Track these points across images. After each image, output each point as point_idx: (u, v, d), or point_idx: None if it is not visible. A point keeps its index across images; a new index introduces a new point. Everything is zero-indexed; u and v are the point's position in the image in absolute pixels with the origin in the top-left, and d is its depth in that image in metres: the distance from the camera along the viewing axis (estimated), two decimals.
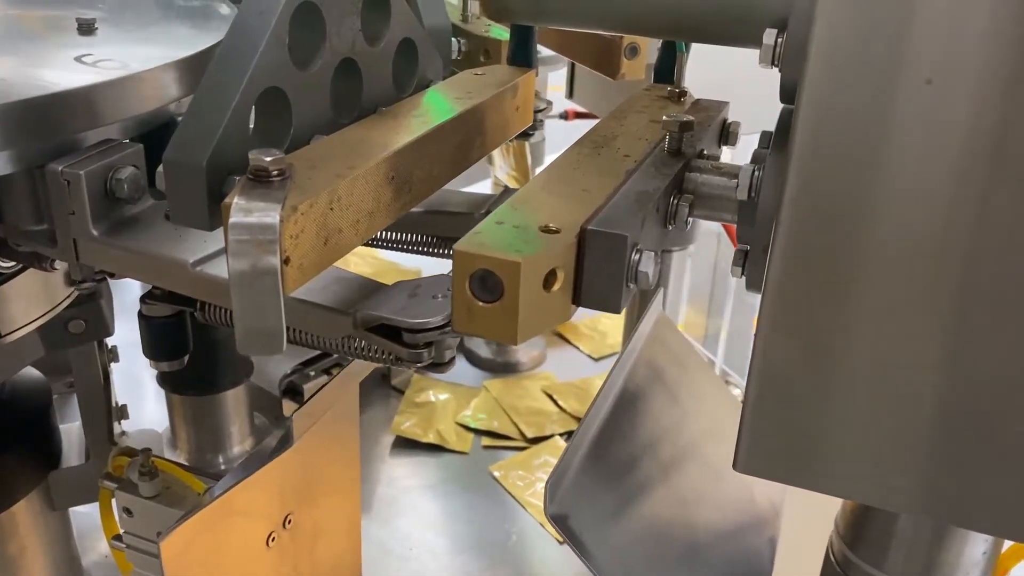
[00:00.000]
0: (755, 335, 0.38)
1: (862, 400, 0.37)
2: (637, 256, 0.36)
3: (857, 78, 0.33)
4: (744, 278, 0.44)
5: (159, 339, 0.63)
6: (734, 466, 0.39)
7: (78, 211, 0.48)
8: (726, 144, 0.53)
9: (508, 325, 0.34)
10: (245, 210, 0.35)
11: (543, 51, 0.93)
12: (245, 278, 0.35)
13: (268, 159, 0.37)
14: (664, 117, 0.44)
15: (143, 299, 0.57)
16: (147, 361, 0.89)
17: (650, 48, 0.73)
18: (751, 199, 0.41)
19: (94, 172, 0.48)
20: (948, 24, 0.31)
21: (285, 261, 0.36)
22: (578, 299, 0.37)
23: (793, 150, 0.35)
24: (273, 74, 0.43)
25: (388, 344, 0.44)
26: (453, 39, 0.72)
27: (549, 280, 0.35)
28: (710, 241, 1.50)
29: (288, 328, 0.51)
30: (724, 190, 0.43)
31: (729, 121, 0.52)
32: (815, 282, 0.36)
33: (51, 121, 0.48)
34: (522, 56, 0.57)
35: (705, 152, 0.46)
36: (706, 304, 1.57)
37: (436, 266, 0.47)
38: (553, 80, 1.34)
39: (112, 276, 0.52)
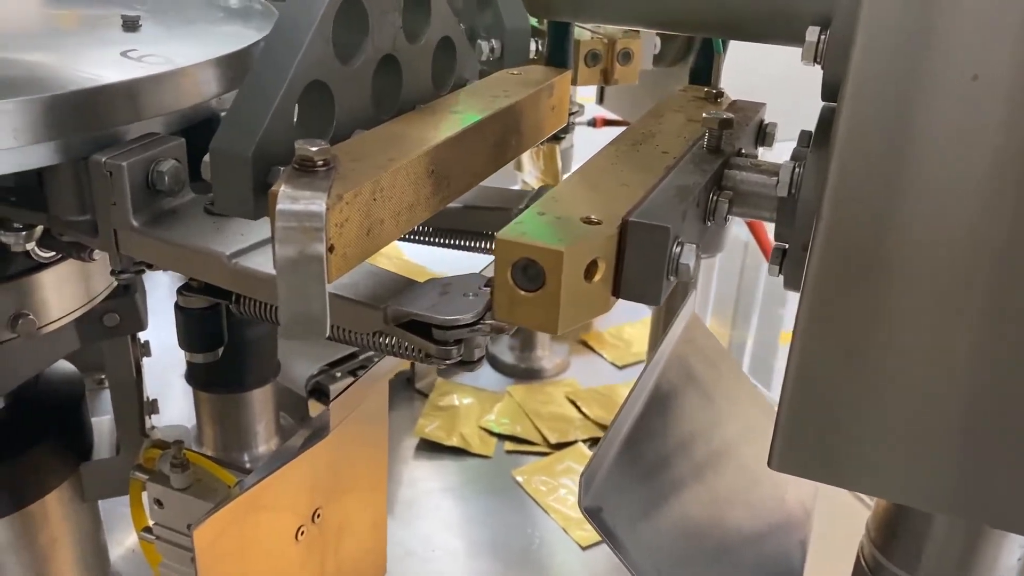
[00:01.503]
0: (793, 332, 0.38)
1: (898, 398, 0.37)
2: (678, 248, 0.36)
3: (902, 74, 0.33)
4: (781, 277, 0.44)
5: (195, 330, 0.63)
6: (769, 463, 0.39)
7: (119, 202, 0.49)
8: (763, 145, 0.53)
9: (549, 314, 0.34)
10: (292, 198, 0.36)
11: None
12: (291, 264, 0.35)
13: (314, 149, 0.38)
14: (704, 114, 0.44)
15: (180, 291, 0.58)
16: (174, 358, 0.90)
17: (644, 53, 0.73)
18: (791, 196, 0.41)
19: (136, 164, 0.49)
20: (995, 18, 0.31)
21: (330, 249, 0.36)
22: (618, 291, 0.37)
23: (835, 146, 0.35)
24: (317, 68, 0.43)
25: (418, 340, 0.45)
26: (532, 39, 0.72)
27: (590, 270, 0.35)
28: (736, 250, 1.50)
29: None
30: (764, 187, 0.43)
31: (766, 122, 0.52)
32: (854, 280, 0.36)
33: (96, 113, 0.49)
34: (559, 56, 0.58)
35: (743, 151, 0.46)
36: (731, 314, 1.56)
37: (465, 268, 0.47)
38: (582, 92, 1.34)
39: (150, 268, 0.53)
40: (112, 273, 0.52)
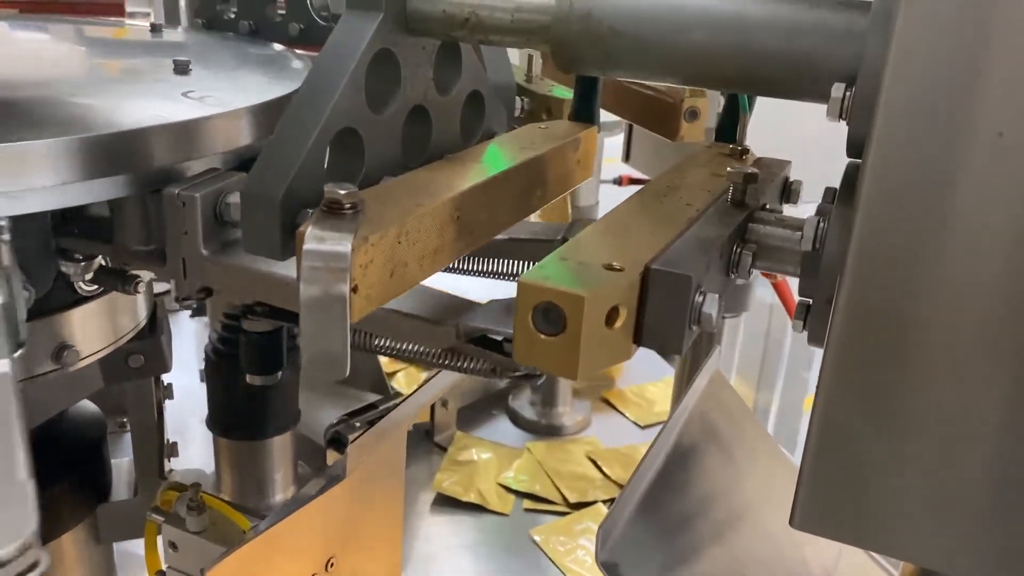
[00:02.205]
0: (817, 387, 0.37)
1: (925, 460, 0.36)
2: (701, 297, 0.36)
3: (927, 131, 0.33)
4: (805, 333, 0.43)
5: (257, 353, 0.66)
6: (790, 522, 0.38)
7: (191, 231, 0.51)
8: (788, 201, 0.53)
9: (569, 359, 0.34)
10: (319, 238, 0.36)
11: (602, 115, 0.95)
12: (315, 303, 0.36)
13: (342, 192, 0.38)
14: (728, 169, 0.45)
15: (245, 314, 0.60)
16: (196, 403, 0.91)
17: (709, 112, 0.74)
18: (815, 251, 0.41)
19: (207, 196, 0.51)
20: (1021, 75, 0.31)
21: (354, 289, 0.37)
22: (639, 339, 0.37)
23: (860, 202, 0.35)
24: (349, 115, 0.44)
25: (489, 354, 0.47)
26: (517, 97, 0.74)
27: (612, 317, 0.35)
28: (762, 313, 1.49)
29: (386, 342, 0.54)
30: (787, 242, 0.43)
31: (791, 179, 0.53)
32: (878, 337, 0.36)
33: (164, 148, 0.51)
34: (585, 112, 0.59)
35: (768, 206, 0.47)
36: (756, 377, 1.55)
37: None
38: (608, 152, 1.35)
39: (209, 295, 0.54)
40: (176, 300, 0.54)
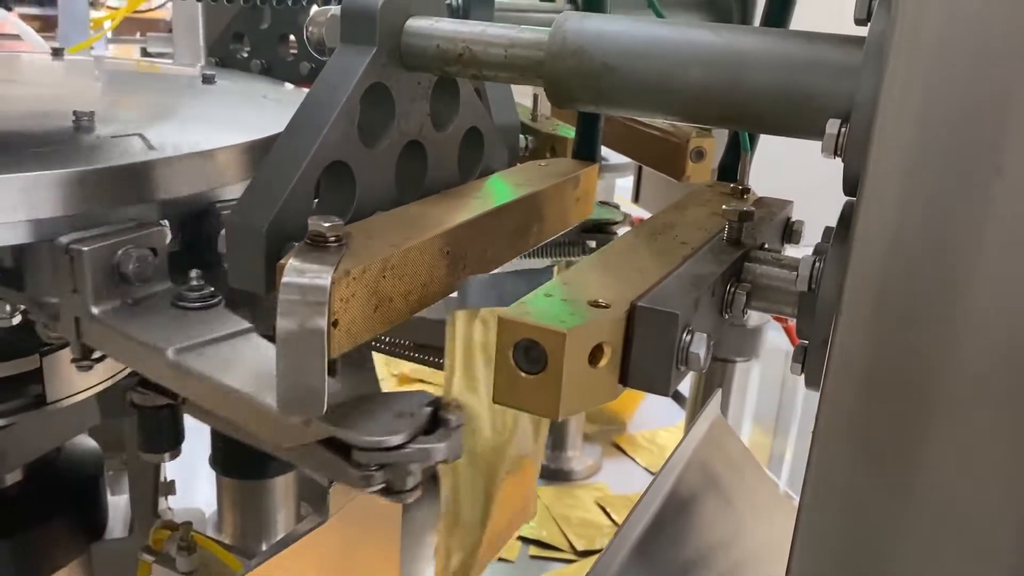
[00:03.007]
0: (813, 432, 0.36)
1: (926, 513, 0.34)
2: (688, 336, 0.35)
3: (922, 166, 0.32)
4: (804, 375, 0.42)
5: (150, 430, 0.60)
6: (787, 574, 0.37)
7: (80, 288, 0.46)
8: (789, 242, 0.52)
9: (550, 398, 0.33)
10: (299, 271, 0.36)
11: (614, 157, 0.95)
12: (292, 337, 0.35)
13: (326, 225, 0.38)
14: (724, 207, 0.44)
15: (135, 387, 0.56)
16: (202, 441, 0.89)
17: (716, 151, 0.74)
18: (811, 291, 0.39)
19: (99, 250, 0.46)
20: (1019, 110, 0.30)
21: (333, 323, 0.36)
22: (625, 378, 0.35)
23: (854, 240, 0.34)
24: (340, 148, 0.44)
25: (334, 460, 0.40)
26: (521, 135, 0.73)
27: (596, 355, 0.34)
28: (777, 360, 1.46)
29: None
30: (783, 282, 0.42)
31: (793, 219, 0.52)
32: (873, 379, 0.34)
33: (72, 194, 0.47)
34: (586, 149, 0.58)
35: (767, 246, 0.46)
36: (772, 424, 1.52)
37: None
38: (619, 192, 1.35)
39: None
40: (72, 361, 0.50)
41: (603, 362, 0.34)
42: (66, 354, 0.61)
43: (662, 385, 0.35)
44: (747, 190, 0.53)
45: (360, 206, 0.46)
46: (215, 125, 0.65)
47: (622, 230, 1.18)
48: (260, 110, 0.73)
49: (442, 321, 0.47)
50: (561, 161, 0.59)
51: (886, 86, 0.32)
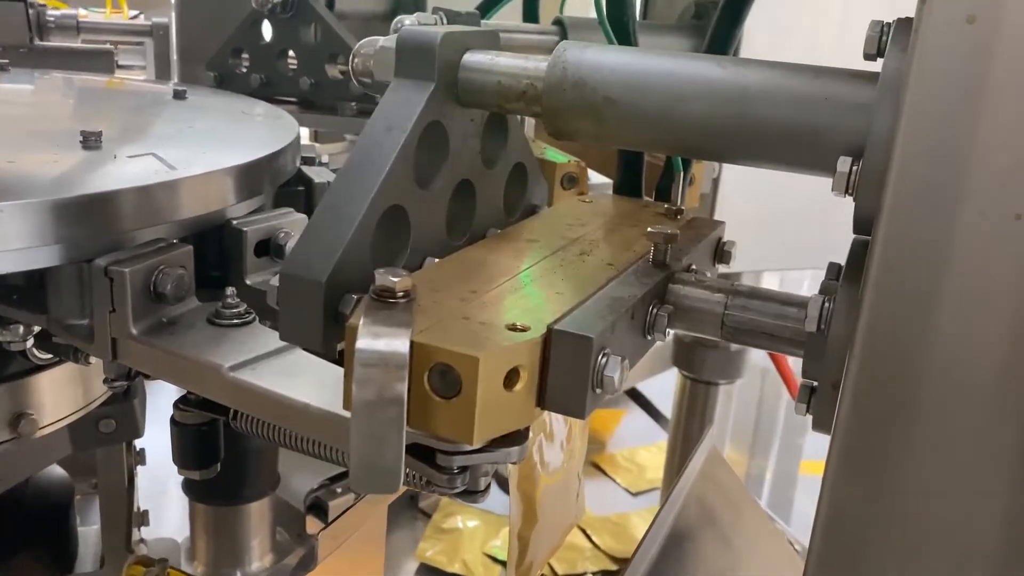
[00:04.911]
0: (824, 472, 0.35)
1: (932, 545, 0.34)
2: (604, 360, 0.35)
3: (940, 210, 0.31)
4: (809, 417, 0.41)
5: (190, 447, 0.61)
6: None
7: (119, 308, 0.47)
8: (721, 262, 0.52)
9: (465, 423, 0.33)
10: (374, 334, 0.32)
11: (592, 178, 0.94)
12: (368, 407, 0.32)
13: (395, 280, 0.35)
14: (649, 229, 0.44)
15: (176, 404, 0.56)
16: (173, 468, 0.87)
17: (706, 177, 0.73)
18: (820, 332, 0.38)
19: (139, 271, 0.47)
20: None
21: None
22: (543, 401, 0.35)
23: (869, 283, 0.33)
24: (397, 192, 0.41)
25: (420, 466, 0.41)
26: None
27: (511, 379, 0.34)
28: (755, 379, 1.46)
29: (307, 440, 0.49)
30: (706, 303, 0.42)
31: (724, 240, 0.52)
32: (888, 421, 0.34)
33: (102, 218, 0.47)
34: (630, 184, 0.58)
35: (695, 267, 0.46)
36: (749, 443, 1.51)
37: None
38: None
39: (147, 377, 0.51)
40: (104, 381, 0.50)
41: (519, 386, 0.34)
42: (46, 380, 0.60)
43: (577, 408, 0.35)
44: (680, 211, 0.53)
45: (413, 252, 0.43)
46: (218, 142, 0.64)
47: None
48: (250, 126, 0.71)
49: None
50: (601, 198, 0.58)
51: (904, 121, 0.31)
